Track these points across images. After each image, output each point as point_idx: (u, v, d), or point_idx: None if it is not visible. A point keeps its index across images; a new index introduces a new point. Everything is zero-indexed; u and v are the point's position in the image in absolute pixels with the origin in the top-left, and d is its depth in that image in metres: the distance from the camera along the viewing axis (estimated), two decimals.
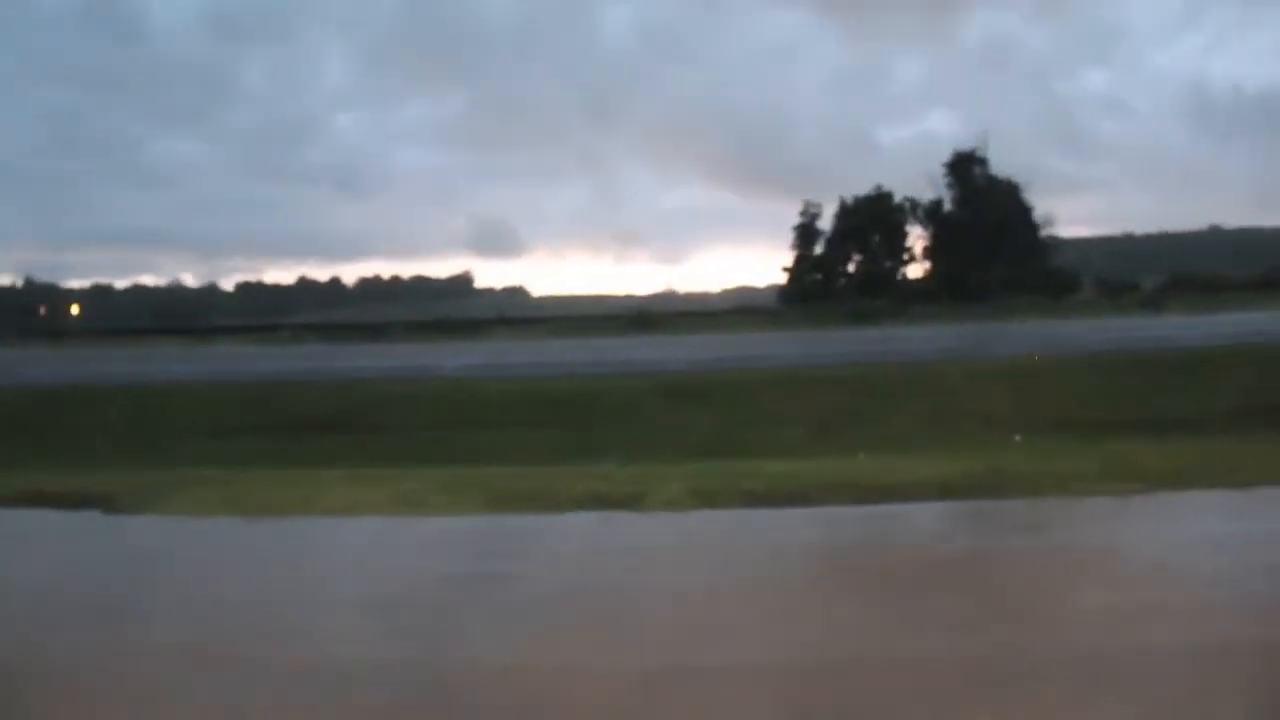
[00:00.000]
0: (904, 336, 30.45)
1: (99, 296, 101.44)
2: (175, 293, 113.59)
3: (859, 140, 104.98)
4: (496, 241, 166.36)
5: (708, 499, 10.09)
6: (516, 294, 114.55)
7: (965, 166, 54.35)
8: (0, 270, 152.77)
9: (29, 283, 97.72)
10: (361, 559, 8.46)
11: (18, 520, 10.16)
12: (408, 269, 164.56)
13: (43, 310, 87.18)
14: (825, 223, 57.27)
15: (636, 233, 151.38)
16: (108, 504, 10.41)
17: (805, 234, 57.16)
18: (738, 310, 53.58)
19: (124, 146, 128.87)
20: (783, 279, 59.37)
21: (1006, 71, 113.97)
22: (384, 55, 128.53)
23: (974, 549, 8.28)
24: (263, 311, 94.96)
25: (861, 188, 58.42)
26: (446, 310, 71.64)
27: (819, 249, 57.31)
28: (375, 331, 40.68)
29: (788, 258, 61.01)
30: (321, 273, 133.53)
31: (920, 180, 56.08)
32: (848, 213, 56.15)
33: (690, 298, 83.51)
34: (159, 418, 20.89)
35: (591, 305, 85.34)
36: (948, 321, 37.29)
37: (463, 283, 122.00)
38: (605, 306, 79.85)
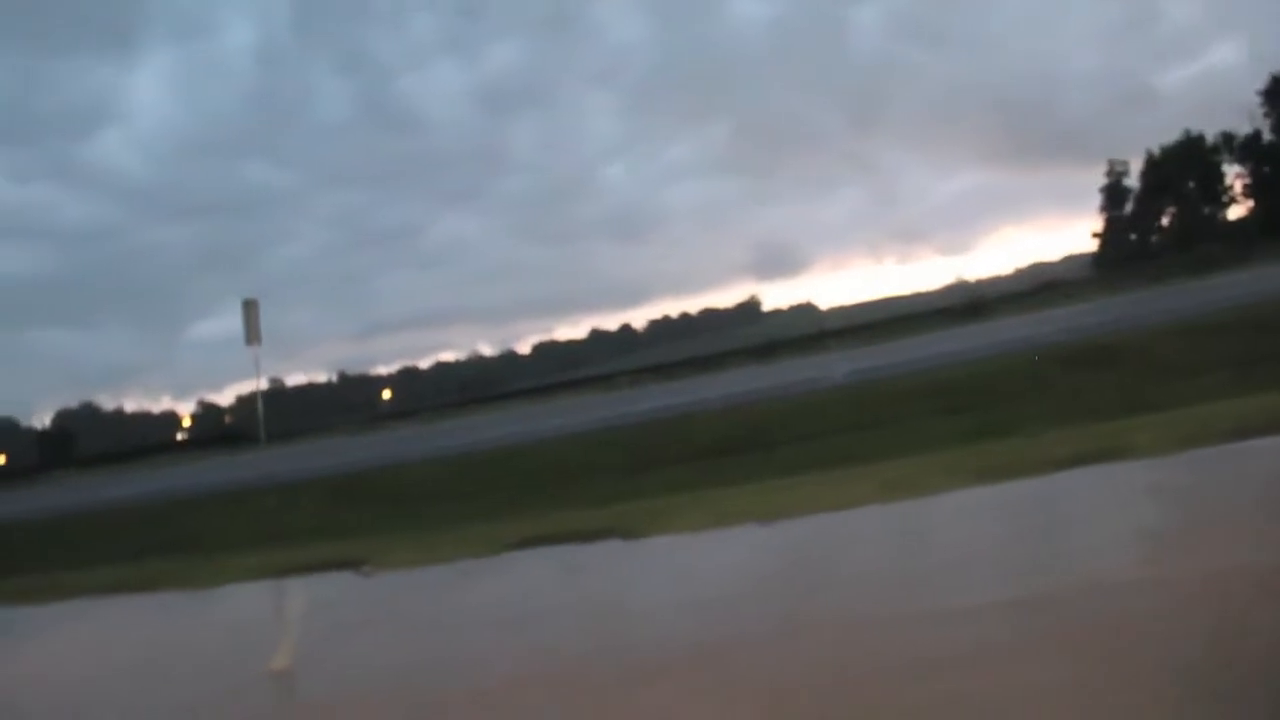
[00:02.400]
0: (1266, 275, 28.86)
1: (407, 378, 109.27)
2: (475, 364, 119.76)
3: (1139, 91, 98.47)
4: (777, 262, 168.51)
5: (1189, 441, 10.71)
6: (805, 310, 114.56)
7: None
8: (315, 369, 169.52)
9: (342, 376, 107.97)
10: (918, 532, 9.42)
11: (563, 554, 11.30)
12: (693, 304, 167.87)
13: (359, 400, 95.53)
14: (1130, 181, 54.71)
15: (917, 228, 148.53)
16: (620, 533, 11.64)
17: (1113, 194, 54.85)
18: (1051, 284, 52.12)
19: (409, 232, 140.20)
20: (1089, 246, 57.48)
21: None
22: (644, 100, 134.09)
23: None
24: (560, 368, 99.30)
25: (1149, 140, 55.65)
26: (737, 339, 73.14)
27: (1129, 209, 54.88)
28: (709, 363, 42.76)
29: (1085, 225, 59.12)
30: (610, 321, 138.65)
31: (1231, 116, 52.53)
32: (1156, 165, 53.48)
33: (984, 284, 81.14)
34: (571, 464, 22.68)
35: (883, 309, 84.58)
36: None
37: (750, 308, 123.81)
38: (897, 308, 79.03)
